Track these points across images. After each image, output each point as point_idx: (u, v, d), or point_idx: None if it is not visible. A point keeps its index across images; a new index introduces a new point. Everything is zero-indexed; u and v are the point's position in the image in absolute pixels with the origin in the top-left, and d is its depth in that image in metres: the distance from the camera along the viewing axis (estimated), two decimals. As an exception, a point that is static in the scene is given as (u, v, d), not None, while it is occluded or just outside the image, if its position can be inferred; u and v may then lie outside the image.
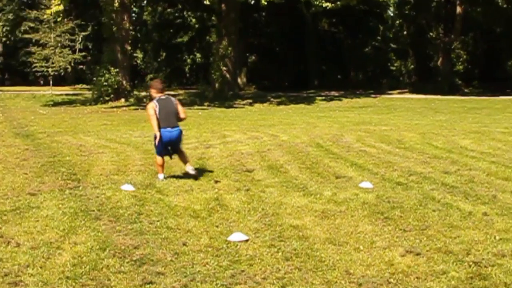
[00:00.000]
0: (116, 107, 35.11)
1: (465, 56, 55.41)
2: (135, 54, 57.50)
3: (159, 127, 10.97)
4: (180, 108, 11.16)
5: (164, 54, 63.35)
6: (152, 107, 10.96)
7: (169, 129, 11.00)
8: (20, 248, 7.07)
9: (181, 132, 11.21)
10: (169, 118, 10.98)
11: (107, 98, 38.03)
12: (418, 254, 6.87)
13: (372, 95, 43.55)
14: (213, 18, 51.98)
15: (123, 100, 38.31)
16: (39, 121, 24.94)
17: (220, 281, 6.06)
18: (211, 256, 6.83)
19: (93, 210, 8.89)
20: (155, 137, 11.13)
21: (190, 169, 11.26)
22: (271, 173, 12.00)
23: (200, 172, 11.90)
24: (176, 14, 59.99)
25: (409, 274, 6.25)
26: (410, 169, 12.41)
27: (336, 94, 44.42)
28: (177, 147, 11.35)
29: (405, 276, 6.19)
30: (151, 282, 6.03)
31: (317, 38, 55.70)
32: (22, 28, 56.24)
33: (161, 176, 11.24)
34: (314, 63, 55.36)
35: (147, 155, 14.36)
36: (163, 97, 11.10)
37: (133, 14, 54.69)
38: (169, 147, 11.24)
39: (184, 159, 11.46)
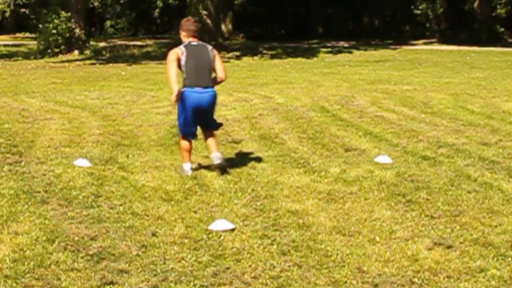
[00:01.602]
0: (67, 61, 34.95)
1: (508, -3, 55.26)
2: (91, -6, 57.06)
3: (184, 86, 9.74)
4: (219, 63, 9.94)
5: (128, -6, 62.88)
6: (176, 53, 9.68)
7: (198, 89, 9.68)
8: None
9: (215, 96, 9.93)
10: (199, 73, 9.70)
11: (56, 50, 37.81)
12: (449, 247, 6.89)
13: (391, 47, 43.53)
14: None
15: (76, 52, 38.11)
16: (-30, 79, 24.81)
17: (199, 281, 6.05)
18: (187, 250, 6.82)
19: (39, 192, 8.86)
20: (180, 100, 9.71)
21: (216, 157, 9.85)
22: (263, 145, 11.98)
23: (175, 144, 11.85)
24: None
25: (437, 272, 6.25)
26: (439, 139, 12.42)
27: (346, 45, 44.34)
28: (207, 119, 10.08)
29: (433, 275, 6.20)
30: (111, 282, 6.01)
31: (321, -26, 55.41)
32: None
33: (186, 166, 9.93)
34: (317, 5, 55.14)
35: (106, 121, 14.30)
36: (194, 42, 9.84)
37: None
38: (195, 119, 9.88)
39: (212, 143, 10.08)
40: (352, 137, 12.70)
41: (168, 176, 9.72)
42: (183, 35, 9.88)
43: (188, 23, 9.93)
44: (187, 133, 9.97)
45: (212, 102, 9.91)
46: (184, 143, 9.98)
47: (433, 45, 45.38)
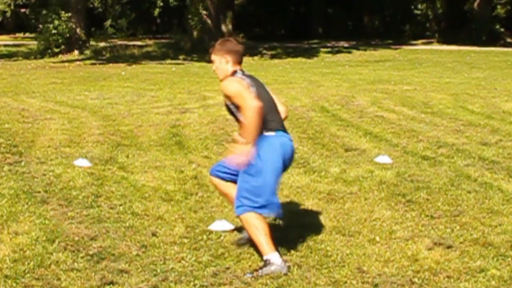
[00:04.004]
0: (67, 61, 34.91)
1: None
2: (91, -5, 57.00)
3: (267, 131, 6.51)
4: (277, 99, 6.82)
5: (128, -6, 62.81)
6: (246, 87, 6.42)
7: (286, 134, 6.66)
8: None
9: None
10: (277, 112, 6.70)
11: (56, 50, 37.76)
12: (449, 247, 6.88)
13: (391, 47, 43.54)
14: None
15: (76, 52, 38.07)
16: (-30, 79, 24.79)
17: (199, 281, 6.04)
18: (187, 250, 6.82)
19: (39, 192, 8.85)
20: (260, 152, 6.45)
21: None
22: (263, 145, 11.96)
23: (174, 144, 11.84)
24: None
25: (437, 272, 6.24)
26: (439, 139, 12.40)
27: (346, 45, 44.35)
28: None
29: (433, 275, 6.19)
30: (111, 282, 6.00)
31: (321, -26, 55.38)
32: None
33: (276, 258, 6.29)
34: (317, 5, 55.14)
35: (106, 121, 14.28)
36: (247, 73, 6.70)
37: None
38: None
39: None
40: (352, 137, 12.69)
41: (168, 176, 9.71)
42: (227, 61, 6.59)
43: (233, 44, 6.71)
44: (269, 205, 6.44)
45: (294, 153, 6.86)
46: (261, 223, 6.41)
47: (433, 45, 45.41)
